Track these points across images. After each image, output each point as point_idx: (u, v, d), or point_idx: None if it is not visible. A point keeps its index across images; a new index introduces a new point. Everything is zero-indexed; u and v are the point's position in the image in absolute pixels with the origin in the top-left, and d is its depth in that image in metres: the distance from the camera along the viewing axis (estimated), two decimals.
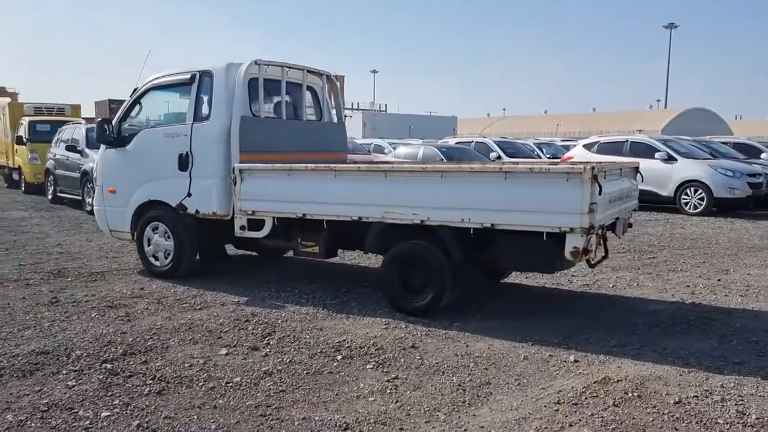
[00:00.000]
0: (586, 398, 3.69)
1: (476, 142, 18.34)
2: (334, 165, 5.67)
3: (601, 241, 5.66)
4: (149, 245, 6.82)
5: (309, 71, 7.15)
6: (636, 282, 6.86)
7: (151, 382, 3.88)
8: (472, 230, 5.01)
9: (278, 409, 3.51)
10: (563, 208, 4.58)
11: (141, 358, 4.31)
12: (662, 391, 3.80)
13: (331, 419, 3.38)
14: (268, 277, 6.80)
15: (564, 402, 3.63)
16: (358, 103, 67.68)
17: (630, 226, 6.21)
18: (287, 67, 6.78)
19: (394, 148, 19.56)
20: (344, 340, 4.74)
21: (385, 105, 63.64)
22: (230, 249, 7.46)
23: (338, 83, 7.58)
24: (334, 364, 4.24)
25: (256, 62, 6.37)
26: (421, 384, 3.90)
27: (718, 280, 7.01)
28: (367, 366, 4.19)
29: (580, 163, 4.79)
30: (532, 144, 19.78)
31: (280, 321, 5.22)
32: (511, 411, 3.53)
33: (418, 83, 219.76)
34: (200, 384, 3.86)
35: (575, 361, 4.34)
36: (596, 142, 15.63)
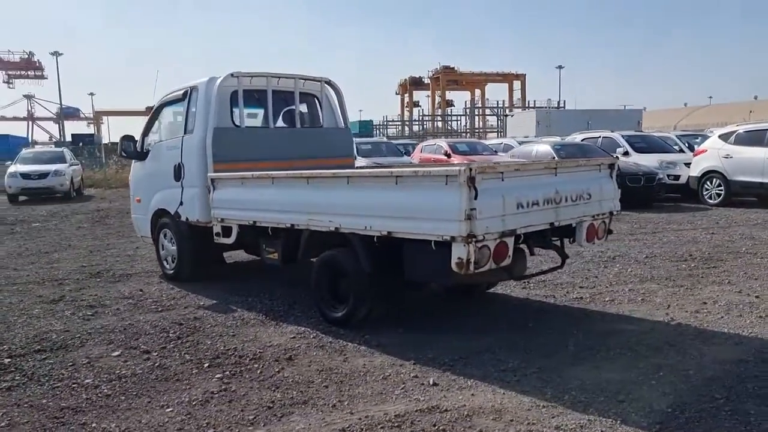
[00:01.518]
0: (382, 428, 3.34)
1: (603, 137, 16.85)
2: (274, 173, 5.70)
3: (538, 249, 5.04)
4: (163, 249, 7.39)
5: (304, 79, 7.23)
6: (643, 297, 5.93)
7: (19, 377, 4.26)
8: (375, 238, 4.74)
9: (78, 413, 3.66)
10: (444, 215, 4.17)
11: (45, 355, 4.73)
12: (479, 427, 3.32)
13: (106, 428, 3.45)
14: (260, 282, 6.97)
15: (350, 430, 3.32)
16: (534, 101, 65.66)
17: (610, 232, 5.42)
18: (272, 76, 6.92)
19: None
20: (237, 348, 4.76)
21: (564, 101, 60.89)
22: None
23: (340, 89, 7.51)
24: (193, 371, 4.30)
25: (232, 75, 6.61)
26: (239, 398, 3.80)
27: (757, 297, 5.80)
28: (216, 375, 4.19)
29: (465, 164, 4.26)
30: (674, 137, 17.66)
31: (209, 326, 5.38)
32: None
33: (608, 77, 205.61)
34: (53, 383, 4.15)
35: (434, 384, 3.93)
36: (734, 132, 13.61)
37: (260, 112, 7.34)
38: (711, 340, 4.63)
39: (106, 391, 3.99)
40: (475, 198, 4.03)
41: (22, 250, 10.09)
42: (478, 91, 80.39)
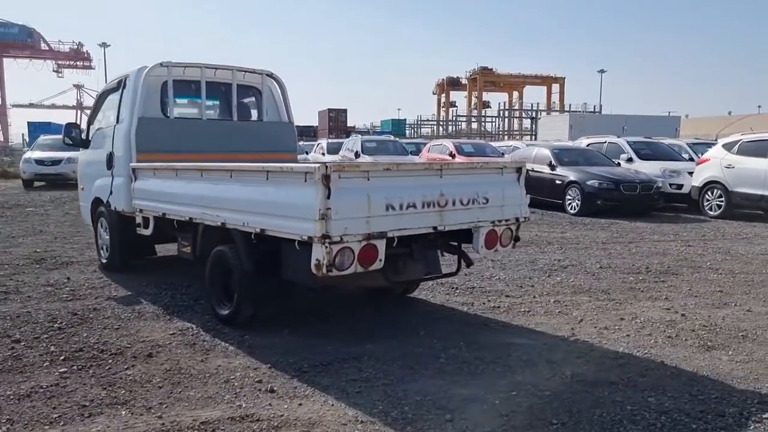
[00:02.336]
0: None
1: (609, 143, 16.33)
2: (178, 164, 5.57)
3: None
4: (100, 238, 7.36)
5: (243, 71, 7.08)
6: (562, 310, 5.61)
7: None
8: (253, 236, 4.56)
9: None
10: (303, 214, 3.96)
11: None
12: None
13: None
14: (186, 275, 6.81)
15: None
16: (570, 105, 64.40)
17: (517, 239, 5.09)
18: (207, 67, 6.79)
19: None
20: (108, 342, 4.64)
21: (600, 106, 59.30)
22: None
23: (283, 82, 7.34)
24: (44, 364, 4.17)
25: (161, 64, 6.51)
26: (62, 395, 3.66)
27: (682, 315, 5.41)
28: (61, 369, 4.06)
29: (330, 162, 4.07)
30: (684, 144, 16.93)
31: (102, 318, 5.27)
32: None
33: (651, 83, 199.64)
34: None
35: (270, 391, 3.73)
36: (737, 141, 12.97)
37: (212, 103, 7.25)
38: (597, 359, 4.31)
39: None
40: (328, 197, 3.81)
41: None
42: (516, 93, 79.42)
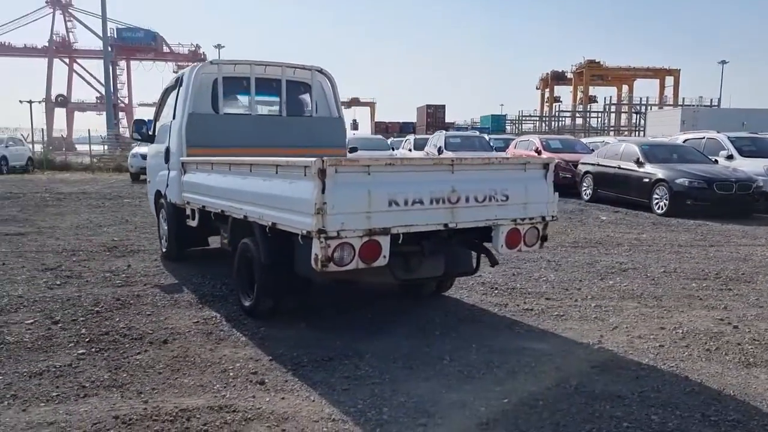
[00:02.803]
0: (154, 420, 3.25)
1: (708, 138, 15.18)
2: (214, 159, 5.73)
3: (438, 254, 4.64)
4: (161, 229, 7.73)
5: (293, 67, 7.18)
6: (599, 315, 5.27)
7: None
8: (268, 229, 4.61)
9: None
10: (303, 208, 3.97)
11: None
12: None
13: None
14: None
15: (125, 418, 3.27)
16: (683, 99, 60.59)
17: (545, 239, 4.83)
18: (257, 64, 6.94)
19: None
20: (134, 327, 4.85)
21: (719, 99, 55.26)
22: None
23: (334, 78, 7.36)
24: (69, 345, 4.43)
25: (212, 62, 6.74)
26: (70, 375, 3.86)
27: (735, 327, 4.94)
28: (80, 351, 4.30)
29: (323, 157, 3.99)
30: None
31: (139, 304, 5.52)
32: (58, 414, 3.33)
33: None
34: None
35: (260, 383, 3.76)
36: None
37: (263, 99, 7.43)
38: (613, 370, 4.00)
39: None
40: (323, 191, 3.78)
41: (87, 222, 10.99)
42: (625, 87, 75.72)
